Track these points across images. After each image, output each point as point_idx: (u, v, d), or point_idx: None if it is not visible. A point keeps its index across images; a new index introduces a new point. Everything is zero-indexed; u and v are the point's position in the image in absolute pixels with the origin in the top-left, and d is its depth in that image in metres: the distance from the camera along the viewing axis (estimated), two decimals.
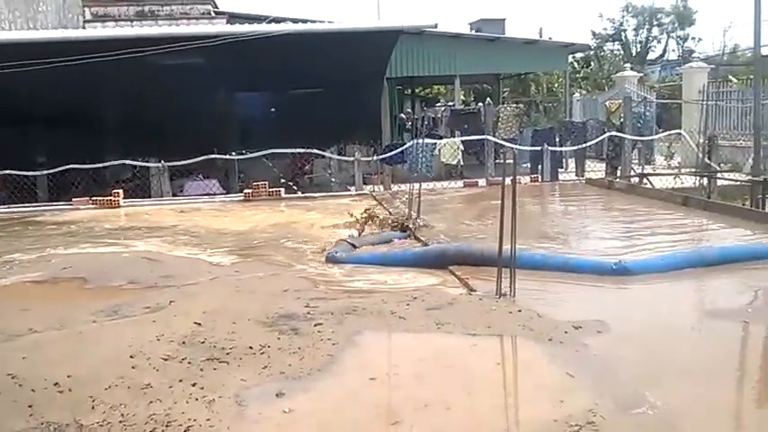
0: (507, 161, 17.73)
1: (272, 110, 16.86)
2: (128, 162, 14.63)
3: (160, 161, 14.27)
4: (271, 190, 13.31)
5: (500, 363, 4.78)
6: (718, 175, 15.09)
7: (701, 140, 16.52)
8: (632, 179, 15.39)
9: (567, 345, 4.76)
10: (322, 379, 4.28)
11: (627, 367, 4.37)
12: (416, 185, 10.73)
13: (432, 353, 4.79)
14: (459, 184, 15.00)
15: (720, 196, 13.92)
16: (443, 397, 3.96)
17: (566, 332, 4.96)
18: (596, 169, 16.85)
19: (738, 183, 14.45)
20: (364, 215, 9.23)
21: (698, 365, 4.37)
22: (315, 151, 15.55)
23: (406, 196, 11.02)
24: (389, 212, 11.11)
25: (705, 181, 14.60)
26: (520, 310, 5.50)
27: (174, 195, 14.39)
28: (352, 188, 14.85)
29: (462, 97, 30.03)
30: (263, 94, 17.00)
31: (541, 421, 3.61)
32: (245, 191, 13.42)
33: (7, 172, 13.63)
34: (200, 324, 5.30)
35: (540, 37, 28.31)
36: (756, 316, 5.30)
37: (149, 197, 14.12)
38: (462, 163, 17.21)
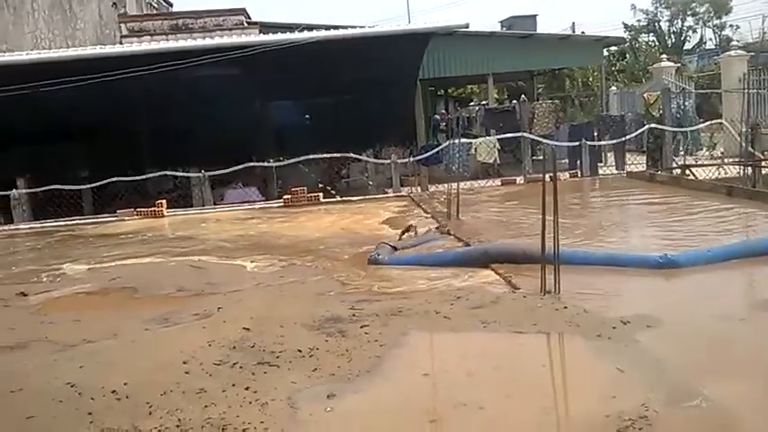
0: (545, 158, 17.68)
1: (307, 117, 17.01)
2: (169, 173, 14.92)
3: (200, 171, 14.53)
4: (309, 195, 13.44)
5: (548, 360, 4.76)
6: (763, 163, 14.75)
7: (744, 129, 16.17)
8: (674, 171, 15.14)
9: (615, 340, 4.71)
10: (370, 380, 4.32)
11: (678, 361, 4.31)
12: (454, 185, 10.75)
13: (479, 352, 4.80)
14: (497, 182, 14.93)
15: (766, 185, 13.61)
16: (492, 396, 3.98)
17: (614, 327, 4.92)
18: (637, 162, 16.60)
19: None
20: (404, 228, 9.20)
21: (750, 358, 4.29)
22: (350, 155, 15.66)
23: (444, 196, 11.06)
24: (429, 213, 11.16)
25: (749, 170, 14.30)
26: (566, 307, 5.46)
27: (215, 204, 14.63)
28: (390, 190, 14.91)
29: (496, 96, 29.87)
30: (297, 102, 17.19)
31: (593, 417, 3.59)
32: (285, 197, 13.58)
33: (53, 187, 14.00)
34: (248, 329, 5.39)
35: (573, 32, 28.07)
36: None
37: (191, 206, 14.38)
38: (499, 161, 17.15)
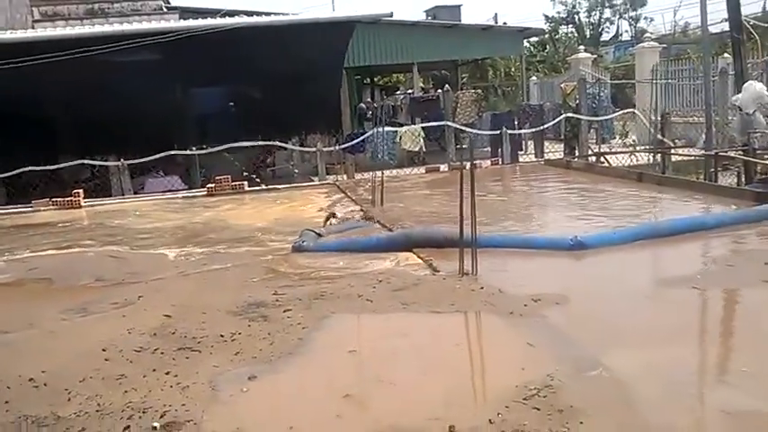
0: (467, 146, 18.09)
1: (231, 104, 16.80)
2: (86, 162, 14.46)
3: (119, 160, 14.14)
4: (234, 184, 13.31)
5: (464, 337, 4.97)
6: (672, 151, 15.58)
7: (653, 118, 17.02)
8: (589, 158, 15.80)
9: (527, 317, 4.97)
10: (292, 361, 4.41)
11: (582, 335, 4.59)
12: (379, 173, 10.91)
13: (399, 332, 4.96)
14: (422, 170, 15.19)
15: (675, 171, 14.41)
16: (408, 373, 4.15)
17: (525, 305, 5.18)
18: (555, 150, 17.23)
19: (692, 157, 14.95)
20: (326, 207, 9.32)
21: (648, 331, 4.61)
22: (276, 143, 15.57)
23: (370, 184, 11.20)
24: (354, 201, 11.28)
25: (659, 157, 15.09)
26: (482, 288, 5.71)
27: (135, 193, 14.28)
28: (316, 178, 14.95)
29: (422, 84, 30.20)
30: (220, 89, 16.94)
31: (503, 388, 3.80)
32: (208, 185, 13.39)
33: None
34: (169, 316, 5.40)
35: (496, 22, 28.66)
36: (704, 283, 5.57)
37: (110, 196, 13.99)
38: (424, 149, 17.43)
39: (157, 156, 14.13)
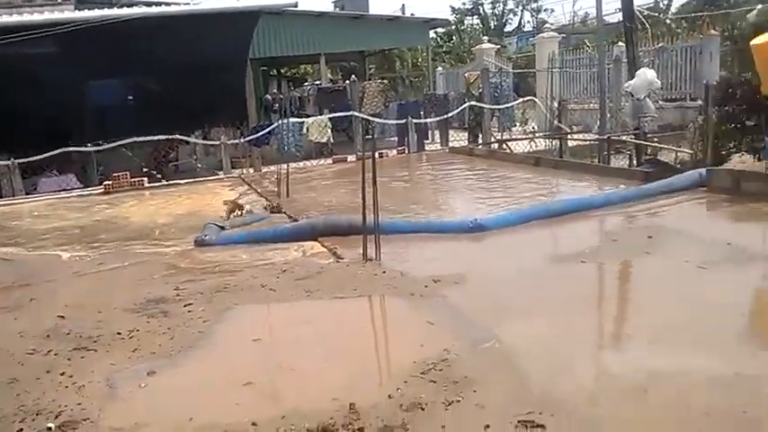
0: (375, 136, 18.25)
1: (130, 97, 16.21)
2: None
3: (9, 158, 13.38)
4: (133, 180, 12.87)
5: (366, 320, 5.05)
6: (569, 136, 16.28)
7: (550, 105, 17.73)
8: (492, 145, 16.28)
9: (427, 297, 5.11)
10: (193, 354, 4.36)
11: (479, 311, 4.76)
12: (284, 165, 10.86)
13: (302, 319, 4.98)
14: (329, 161, 15.19)
15: (572, 156, 15.05)
16: (311, 358, 4.19)
17: (426, 286, 5.33)
18: (459, 138, 17.64)
19: (587, 142, 15.67)
20: (230, 203, 9.19)
21: (539, 304, 4.85)
22: (178, 137, 15.15)
23: (275, 176, 11.13)
24: (259, 193, 11.17)
25: (557, 142, 15.73)
26: (384, 272, 5.82)
27: (27, 194, 13.55)
28: (221, 173, 14.66)
29: (330, 76, 30.18)
30: (119, 82, 16.33)
31: (403, 365, 3.90)
32: (105, 183, 12.89)
33: None
34: (63, 317, 5.20)
35: (403, 13, 28.96)
36: (592, 257, 5.90)
37: (0, 197, 13.23)
38: (332, 140, 17.42)
39: (51, 153, 13.44)
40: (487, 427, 3.14)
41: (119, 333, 4.75)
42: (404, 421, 3.25)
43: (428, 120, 17.31)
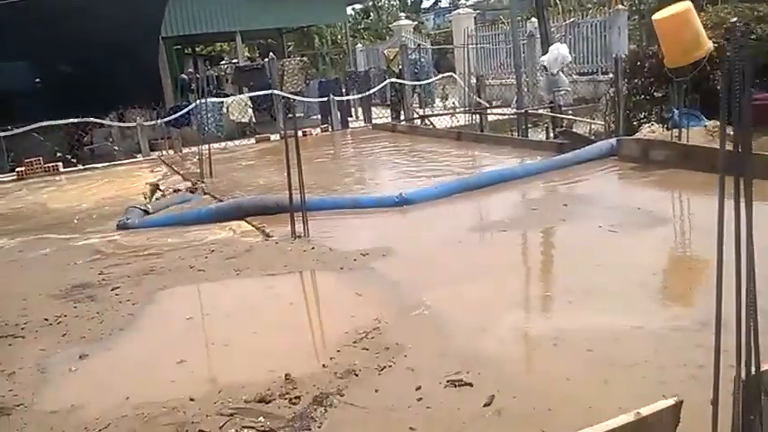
0: (297, 114, 18.16)
1: (37, 80, 15.47)
2: None
3: None
4: (47, 165, 12.42)
5: (297, 294, 5.14)
6: (488, 111, 16.69)
7: (468, 81, 18.08)
8: (415, 121, 16.52)
9: (356, 270, 5.25)
10: (124, 336, 4.35)
11: (407, 280, 4.94)
12: (206, 146, 10.71)
13: (233, 296, 5.04)
14: (252, 140, 15.05)
15: (492, 130, 15.47)
16: (242, 334, 4.26)
17: (354, 260, 5.46)
18: (382, 115, 17.78)
19: (506, 116, 16.12)
20: (151, 185, 9.04)
21: (463, 271, 5.07)
22: (92, 120, 14.61)
23: (197, 157, 10.97)
24: (181, 175, 10.99)
25: (477, 117, 16.11)
26: (313, 248, 5.92)
27: None
28: (139, 155, 14.29)
29: (248, 54, 29.62)
30: (23, 64, 15.54)
31: (335, 335, 4.03)
32: (18, 169, 12.36)
33: None
34: None
35: None
36: (511, 226, 6.18)
37: None
38: (255, 120, 17.21)
39: None
40: (419, 388, 3.31)
41: (46, 319, 4.67)
42: (339, 388, 3.38)
43: (350, 97, 17.34)
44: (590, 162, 8.41)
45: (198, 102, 14.71)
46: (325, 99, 16.14)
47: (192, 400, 3.35)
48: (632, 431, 2.11)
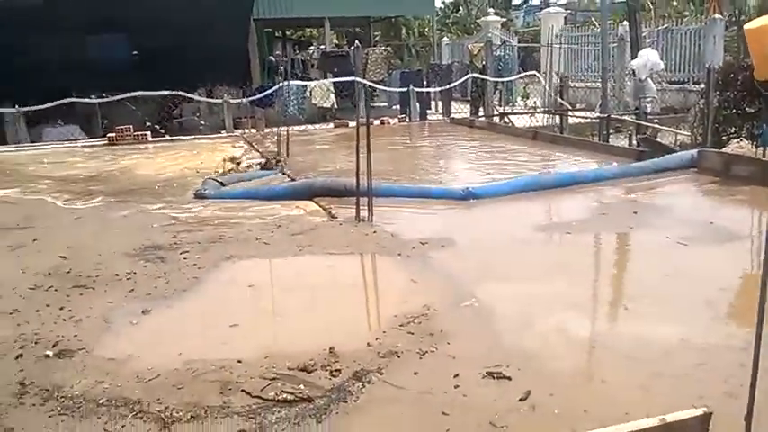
0: (379, 104, 18.36)
1: (135, 53, 16.23)
2: None
3: (14, 107, 13.50)
4: (136, 133, 13.03)
5: (354, 275, 5.25)
6: (570, 113, 16.36)
7: (551, 81, 17.74)
8: (493, 118, 16.38)
9: (413, 258, 5.32)
10: (186, 296, 4.59)
11: (462, 272, 4.97)
12: (285, 127, 10.99)
13: (293, 271, 5.21)
14: (330, 125, 15.30)
15: (573, 133, 15.16)
16: (295, 307, 4.41)
17: (413, 248, 5.53)
18: (462, 110, 17.71)
19: (588, 120, 15.77)
20: (229, 160, 9.38)
21: (519, 268, 5.06)
22: (182, 94, 15.24)
23: (276, 137, 11.27)
24: (260, 153, 11.33)
25: (557, 119, 15.83)
26: (375, 232, 6.03)
27: (32, 142, 13.71)
28: (223, 132, 14.80)
29: (335, 41, 30.03)
30: (123, 37, 16.32)
31: (384, 318, 4.14)
32: (109, 135, 13.05)
33: None
34: (64, 257, 5.42)
35: None
36: (578, 229, 6.09)
37: (6, 144, 13.40)
38: (336, 106, 17.48)
39: (56, 103, 13.56)
40: (456, 375, 3.35)
41: (117, 275, 4.97)
42: (379, 366, 3.46)
43: (430, 89, 17.35)
44: (668, 172, 8.16)
45: (282, 84, 15.08)
46: (406, 89, 16.21)
47: (239, 361, 3.51)
48: None
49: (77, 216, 7.15)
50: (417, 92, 16.38)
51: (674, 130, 13.71)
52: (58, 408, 3.10)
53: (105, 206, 7.64)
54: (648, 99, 14.91)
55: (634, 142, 13.57)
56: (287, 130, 10.71)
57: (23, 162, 11.19)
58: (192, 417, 3.03)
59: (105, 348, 3.76)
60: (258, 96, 15.22)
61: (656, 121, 14.48)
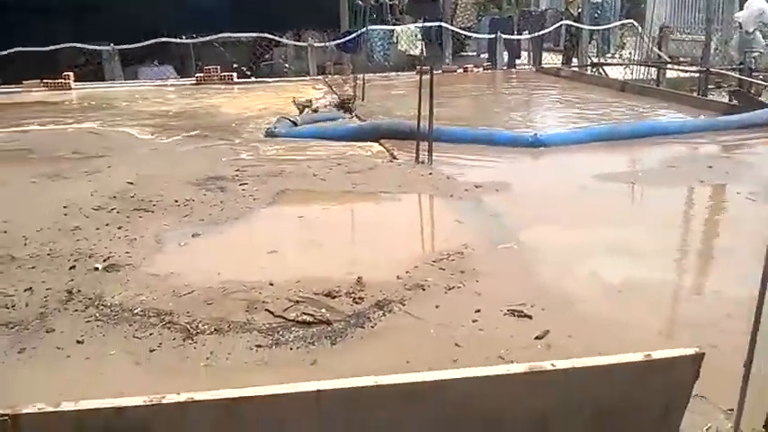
0: (469, 53, 17.93)
1: None
2: (77, 45, 14.42)
3: (110, 45, 14.14)
4: (222, 74, 13.39)
5: (402, 214, 5.25)
6: (668, 66, 15.43)
7: (654, 32, 16.73)
8: (587, 69, 15.68)
9: (464, 200, 5.28)
10: (236, 224, 4.77)
11: (510, 217, 4.88)
12: (364, 74, 11.01)
13: (342, 205, 5.29)
14: (413, 72, 15.11)
15: (671, 87, 14.33)
16: (341, 239, 4.50)
17: (466, 190, 5.49)
18: (553, 61, 17.04)
19: (687, 74, 14.84)
20: (302, 99, 9.51)
21: (571, 216, 4.90)
22: (271, 37, 15.45)
23: (355, 82, 11.30)
24: (338, 95, 11.40)
25: (654, 72, 14.98)
26: (431, 174, 6.01)
27: (126, 80, 14.36)
28: (308, 76, 14.94)
29: None
30: None
31: (421, 254, 4.16)
32: (197, 75, 13.49)
33: None
34: (132, 183, 5.74)
35: None
36: (644, 180, 5.83)
37: (103, 80, 14.10)
38: (425, 53, 17.19)
39: (148, 42, 14.09)
40: (478, 311, 3.34)
41: (176, 201, 5.22)
42: (403, 297, 3.50)
43: (519, 37, 16.77)
44: (758, 128, 7.62)
45: (367, 28, 14.99)
46: (493, 36, 15.77)
47: (271, 284, 3.64)
48: (641, 372, 2.03)
49: (153, 148, 7.51)
50: (506, 39, 15.90)
51: None
52: (96, 314, 3.34)
53: (182, 140, 7.95)
54: (755, 53, 13.83)
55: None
56: (363, 75, 10.73)
57: (116, 97, 11.77)
58: (215, 330, 3.19)
59: (151, 265, 3.99)
60: (343, 41, 15.21)
61: (761, 77, 13.44)
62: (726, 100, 12.90)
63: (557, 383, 1.99)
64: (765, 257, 2.02)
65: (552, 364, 1.97)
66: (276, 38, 15.40)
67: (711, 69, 13.21)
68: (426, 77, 12.19)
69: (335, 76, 14.76)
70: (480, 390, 1.91)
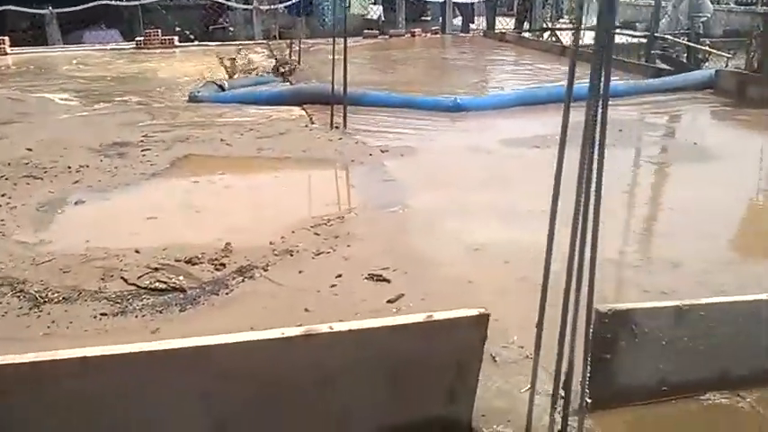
0: (429, 17, 17.69)
1: None
2: (16, 8, 13.93)
3: (48, 8, 13.72)
4: (163, 38, 13.09)
5: (297, 179, 5.19)
6: (616, 32, 15.39)
7: None
8: (537, 33, 15.58)
9: (366, 165, 5.25)
10: (124, 191, 4.69)
11: (407, 180, 4.86)
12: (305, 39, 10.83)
13: (238, 171, 5.23)
14: (359, 37, 14.92)
15: (622, 54, 14.30)
16: (226, 203, 4.45)
17: (371, 155, 5.46)
18: (508, 25, 16.91)
19: (636, 40, 14.81)
20: (229, 60, 9.34)
21: (465, 179, 4.91)
22: (220, 1, 15.12)
23: (289, 47, 11.11)
24: (276, 60, 11.20)
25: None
26: (341, 138, 5.96)
27: (66, 44, 13.95)
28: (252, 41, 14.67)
29: None
30: None
31: (302, 219, 4.10)
32: (137, 39, 13.16)
33: None
34: (31, 150, 5.59)
35: None
36: (548, 144, 5.81)
37: (45, 45, 13.70)
38: (383, 18, 16.93)
39: (90, 5, 13.68)
40: (339, 276, 3.33)
41: (69, 167, 5.11)
42: (268, 263, 3.48)
43: (471, 0, 16.62)
44: (681, 92, 7.67)
45: None
46: (443, 0, 15.61)
47: (137, 251, 3.59)
48: (426, 332, 2.04)
49: (70, 114, 7.31)
50: (459, 4, 15.75)
51: (725, 54, 12.75)
52: None
53: (103, 106, 7.75)
54: (702, 18, 13.85)
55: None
56: (299, 40, 10.58)
57: (55, 63, 11.44)
58: (63, 299, 3.14)
59: (23, 234, 3.90)
60: (290, 3, 14.93)
61: (707, 42, 13.47)
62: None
63: (337, 345, 1.98)
64: (550, 220, 2.02)
65: (330, 327, 1.96)
66: (224, 1, 15.07)
67: (656, 35, 13.24)
68: (373, 42, 12.08)
69: (279, 41, 14.51)
70: (251, 354, 1.90)
